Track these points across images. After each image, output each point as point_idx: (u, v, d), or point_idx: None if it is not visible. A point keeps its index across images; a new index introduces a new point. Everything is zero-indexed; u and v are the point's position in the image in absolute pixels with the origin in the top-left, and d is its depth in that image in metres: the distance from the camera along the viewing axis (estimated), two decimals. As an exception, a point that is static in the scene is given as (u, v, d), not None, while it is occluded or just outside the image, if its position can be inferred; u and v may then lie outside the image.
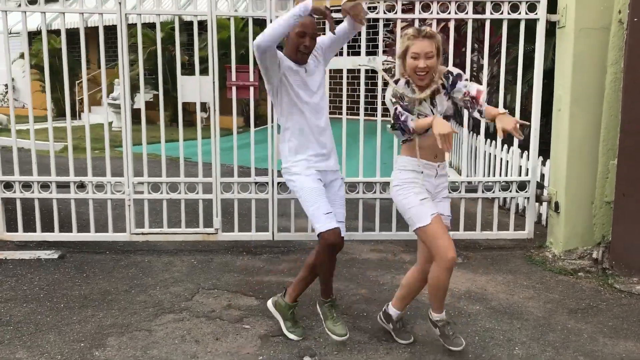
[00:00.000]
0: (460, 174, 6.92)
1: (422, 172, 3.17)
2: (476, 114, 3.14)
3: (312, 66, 3.49)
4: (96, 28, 4.84)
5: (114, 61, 4.86)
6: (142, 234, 5.05)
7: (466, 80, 3.15)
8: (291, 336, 3.56)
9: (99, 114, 12.43)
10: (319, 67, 3.54)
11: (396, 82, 3.16)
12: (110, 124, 13.20)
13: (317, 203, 3.30)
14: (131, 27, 5.19)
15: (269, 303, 3.76)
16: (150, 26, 13.47)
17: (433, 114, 3.12)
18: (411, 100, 3.10)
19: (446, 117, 3.21)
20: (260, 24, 4.72)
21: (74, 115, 16.40)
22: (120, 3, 4.66)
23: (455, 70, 3.18)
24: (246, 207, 5.25)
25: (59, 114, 19.53)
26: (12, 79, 5.05)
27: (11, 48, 5.10)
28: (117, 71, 4.94)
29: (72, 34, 5.41)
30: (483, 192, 5.11)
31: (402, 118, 3.07)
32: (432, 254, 3.14)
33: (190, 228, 5.15)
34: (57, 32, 12.83)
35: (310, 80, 3.45)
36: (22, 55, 16.02)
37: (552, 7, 4.90)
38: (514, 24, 5.02)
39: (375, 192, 5.03)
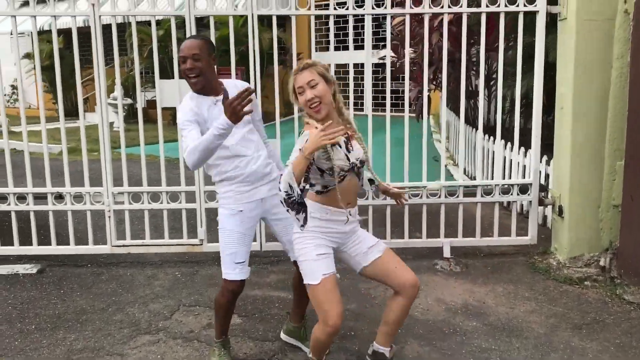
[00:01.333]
0: (457, 165, 6.62)
1: (328, 220, 2.87)
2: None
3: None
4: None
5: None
6: (124, 246, 4.82)
7: None
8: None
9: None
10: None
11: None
12: (111, 124, 13.00)
13: (230, 249, 3.13)
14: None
15: (282, 335, 3.57)
16: (148, 24, 13.20)
17: (349, 161, 2.82)
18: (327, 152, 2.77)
19: (361, 163, 2.91)
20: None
21: (76, 115, 16.29)
22: (93, 5, 4.42)
23: None
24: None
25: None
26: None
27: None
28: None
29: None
30: (482, 195, 4.82)
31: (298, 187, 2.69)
32: (317, 314, 2.84)
33: (174, 239, 4.91)
34: (58, 32, 12.59)
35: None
36: (27, 56, 15.77)
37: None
38: (515, 15, 4.71)
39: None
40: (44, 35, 16.12)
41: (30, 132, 4.80)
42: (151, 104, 15.42)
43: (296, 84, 2.80)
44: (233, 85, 3.18)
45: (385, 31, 7.69)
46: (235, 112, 2.75)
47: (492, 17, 5.64)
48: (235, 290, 3.15)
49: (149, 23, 4.62)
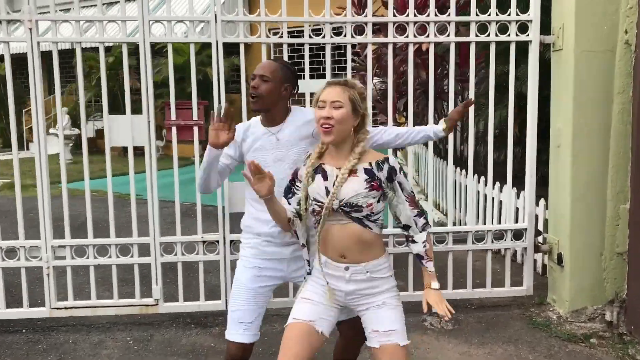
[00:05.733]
0: (446, 216, 6.21)
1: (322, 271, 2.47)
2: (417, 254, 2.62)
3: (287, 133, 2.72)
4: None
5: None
6: (65, 308, 4.14)
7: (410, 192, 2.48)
8: None
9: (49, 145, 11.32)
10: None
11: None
12: (58, 155, 12.19)
13: (237, 306, 2.80)
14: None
15: None
16: (96, 50, 12.52)
17: (327, 195, 2.35)
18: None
19: (354, 208, 2.37)
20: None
21: (21, 147, 15.38)
22: (30, 29, 3.81)
23: (392, 161, 2.42)
24: (193, 270, 4.39)
25: (5, 144, 18.29)
26: None
27: None
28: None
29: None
30: (473, 242, 4.36)
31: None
32: None
33: (125, 299, 4.26)
34: (1, 58, 11.82)
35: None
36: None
37: (544, 27, 4.24)
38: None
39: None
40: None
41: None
42: (100, 134, 14.62)
43: (321, 97, 2.38)
44: (301, 115, 2.75)
45: (352, 60, 7.29)
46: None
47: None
48: (235, 354, 2.75)
49: (95, 50, 4.04)
